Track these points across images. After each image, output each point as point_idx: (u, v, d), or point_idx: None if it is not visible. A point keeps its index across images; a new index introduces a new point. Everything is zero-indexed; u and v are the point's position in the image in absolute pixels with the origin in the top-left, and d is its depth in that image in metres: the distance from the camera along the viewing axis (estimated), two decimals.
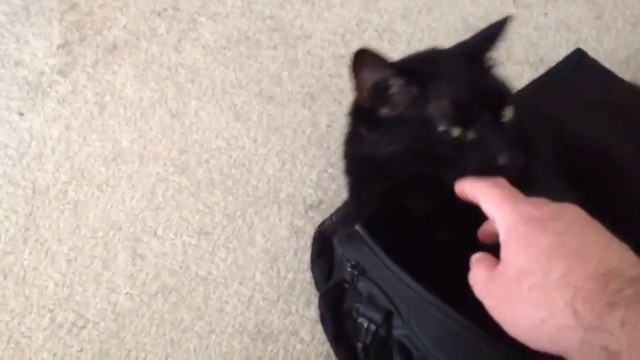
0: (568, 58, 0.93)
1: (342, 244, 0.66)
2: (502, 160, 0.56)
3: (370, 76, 0.60)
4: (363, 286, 0.65)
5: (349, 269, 0.65)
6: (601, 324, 0.40)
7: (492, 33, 0.65)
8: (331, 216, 0.90)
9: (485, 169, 0.55)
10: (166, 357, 0.84)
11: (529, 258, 0.45)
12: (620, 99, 0.83)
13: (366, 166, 0.66)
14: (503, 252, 0.48)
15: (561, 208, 0.48)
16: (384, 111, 0.62)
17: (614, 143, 0.74)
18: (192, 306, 0.88)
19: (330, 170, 0.97)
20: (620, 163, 0.72)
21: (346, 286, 0.70)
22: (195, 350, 0.85)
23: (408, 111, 0.60)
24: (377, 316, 0.64)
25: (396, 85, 0.60)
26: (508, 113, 0.59)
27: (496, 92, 0.61)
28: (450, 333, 0.57)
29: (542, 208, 0.48)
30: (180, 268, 0.90)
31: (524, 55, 1.05)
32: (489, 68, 0.66)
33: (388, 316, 0.63)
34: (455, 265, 0.53)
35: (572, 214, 0.48)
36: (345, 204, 0.88)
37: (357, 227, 0.62)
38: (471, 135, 0.57)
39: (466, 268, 0.52)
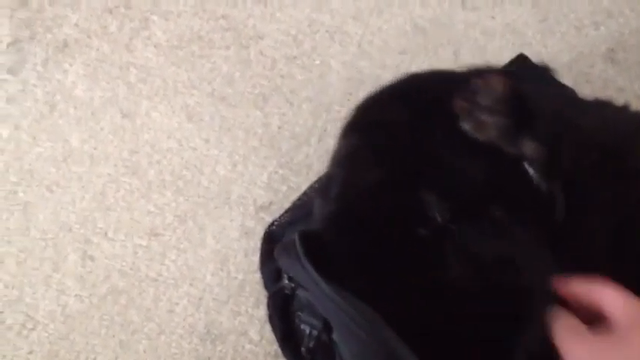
0: (511, 63, 0.95)
1: (279, 255, 0.67)
2: None
3: None
4: (301, 294, 0.67)
5: (286, 281, 0.67)
6: None
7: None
8: (280, 217, 0.91)
9: None
10: (116, 358, 0.86)
11: None
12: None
13: None
14: (622, 332, 0.52)
15: None
16: None
17: None
18: (142, 307, 0.89)
19: (281, 171, 0.98)
20: None
21: (287, 292, 0.72)
22: (144, 351, 0.86)
23: None
24: (317, 323, 0.67)
25: None
26: None
27: None
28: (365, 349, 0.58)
29: None
30: (131, 269, 0.91)
31: (471, 58, 1.08)
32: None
33: (327, 323, 0.65)
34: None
35: None
36: (294, 206, 0.90)
37: (295, 236, 0.61)
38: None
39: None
